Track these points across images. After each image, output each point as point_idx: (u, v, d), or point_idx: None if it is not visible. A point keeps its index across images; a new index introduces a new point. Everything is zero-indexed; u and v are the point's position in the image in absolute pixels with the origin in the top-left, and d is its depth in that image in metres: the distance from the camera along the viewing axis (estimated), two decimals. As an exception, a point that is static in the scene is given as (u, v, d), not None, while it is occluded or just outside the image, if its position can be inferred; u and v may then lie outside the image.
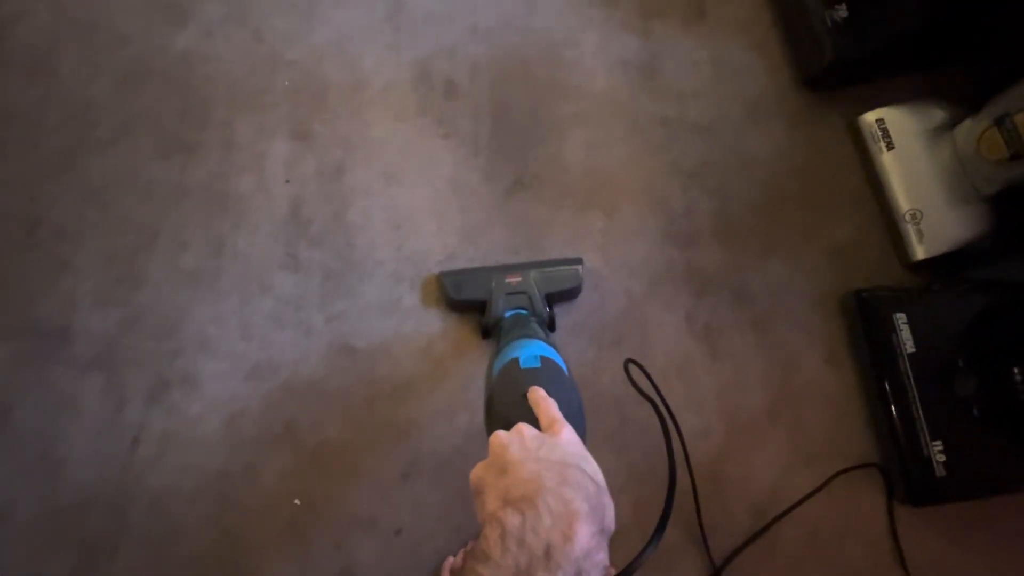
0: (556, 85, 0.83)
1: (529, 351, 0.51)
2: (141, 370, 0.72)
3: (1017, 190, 0.69)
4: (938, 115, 0.75)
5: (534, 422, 0.41)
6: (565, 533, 0.30)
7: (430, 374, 0.73)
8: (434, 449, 0.71)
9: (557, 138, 0.81)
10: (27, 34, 0.83)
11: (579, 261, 0.74)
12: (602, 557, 0.31)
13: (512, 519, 0.31)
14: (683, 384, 0.73)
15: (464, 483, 0.37)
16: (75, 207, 0.77)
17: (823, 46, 0.76)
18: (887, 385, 0.69)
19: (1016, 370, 0.64)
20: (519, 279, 0.71)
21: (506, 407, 0.45)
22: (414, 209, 0.78)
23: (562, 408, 0.42)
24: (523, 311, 0.70)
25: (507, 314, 0.69)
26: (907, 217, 0.75)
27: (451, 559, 0.67)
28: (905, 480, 0.68)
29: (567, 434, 0.38)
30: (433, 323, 0.75)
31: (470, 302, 0.72)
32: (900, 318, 0.70)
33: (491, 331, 0.70)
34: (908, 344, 0.69)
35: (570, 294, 0.74)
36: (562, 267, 0.73)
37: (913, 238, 0.74)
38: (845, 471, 0.71)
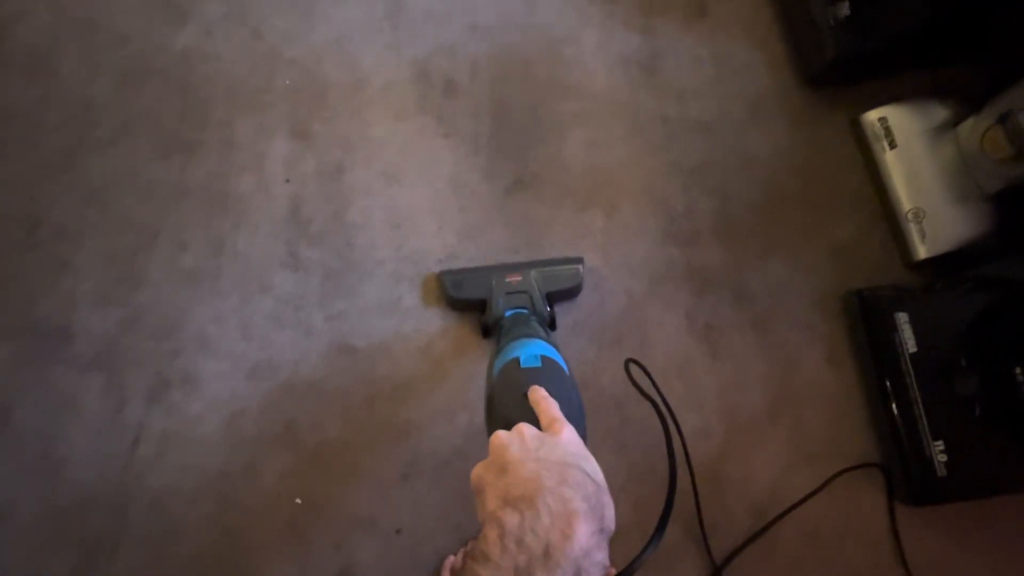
0: (556, 83, 0.83)
1: (530, 350, 0.51)
2: (141, 370, 0.72)
3: (1020, 188, 0.69)
4: (941, 113, 0.75)
5: (535, 422, 0.40)
6: (564, 532, 0.30)
7: (430, 374, 0.73)
8: (434, 449, 0.71)
9: (557, 137, 0.81)
10: (27, 34, 0.83)
11: (579, 260, 0.73)
12: (602, 556, 0.31)
13: (511, 519, 0.31)
14: (683, 384, 0.73)
15: (464, 483, 0.37)
16: (75, 207, 0.77)
17: (825, 44, 0.76)
18: (888, 385, 0.69)
19: (1018, 370, 0.64)
20: (519, 278, 0.71)
21: (507, 407, 0.45)
22: (414, 208, 0.78)
23: (563, 407, 0.42)
24: (523, 310, 0.70)
25: (507, 313, 0.69)
26: (909, 216, 0.74)
27: (451, 558, 0.67)
28: (906, 480, 0.67)
29: (567, 434, 0.38)
30: (433, 322, 0.75)
31: (470, 301, 0.72)
32: (902, 317, 0.69)
33: (491, 330, 0.70)
34: (910, 343, 0.69)
35: (570, 293, 0.73)
36: (562, 266, 0.73)
37: (915, 237, 0.74)
38: (846, 471, 0.71)
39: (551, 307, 0.71)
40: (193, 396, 0.72)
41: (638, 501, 0.69)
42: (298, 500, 0.69)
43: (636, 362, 0.54)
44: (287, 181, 0.79)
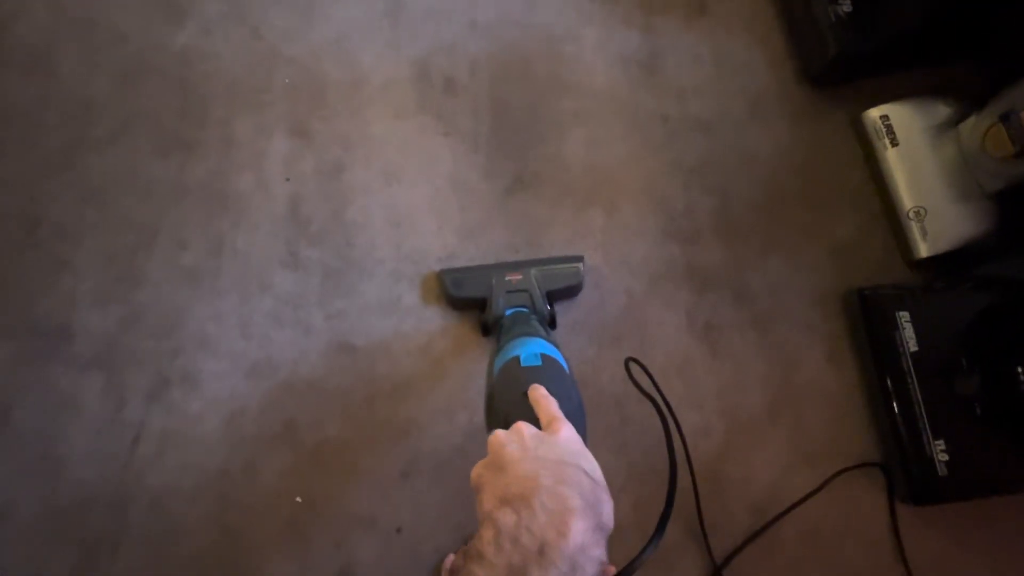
0: (556, 81, 0.82)
1: (530, 349, 0.51)
2: (141, 369, 0.72)
3: (1021, 187, 0.68)
4: (943, 111, 0.75)
5: (535, 420, 0.40)
6: (559, 529, 0.30)
7: (430, 372, 0.73)
8: (434, 447, 0.71)
9: (557, 135, 0.81)
10: (25, 33, 0.83)
11: (580, 259, 0.73)
12: (599, 552, 0.31)
13: (507, 518, 0.31)
14: (683, 383, 0.73)
15: (465, 481, 0.37)
16: (74, 206, 0.77)
17: (826, 41, 0.75)
18: (889, 384, 0.69)
19: (1020, 369, 0.64)
20: (519, 277, 0.71)
21: (507, 405, 0.45)
22: (414, 207, 0.78)
23: (563, 406, 0.42)
24: (524, 309, 0.69)
25: (508, 312, 0.69)
26: (911, 214, 0.74)
27: (451, 556, 0.67)
28: (907, 479, 0.67)
29: (566, 432, 0.38)
30: (433, 321, 0.75)
31: (470, 300, 0.72)
32: (903, 316, 0.69)
33: (491, 329, 0.70)
34: (911, 343, 0.68)
35: (571, 292, 0.73)
36: (563, 265, 0.72)
37: (916, 235, 0.74)
38: (846, 470, 0.71)
39: (551, 306, 0.71)
40: (193, 395, 0.72)
41: (638, 500, 0.69)
42: (298, 499, 0.69)
43: (636, 361, 0.54)
44: (287, 180, 0.78)
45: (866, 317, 0.71)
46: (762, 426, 0.72)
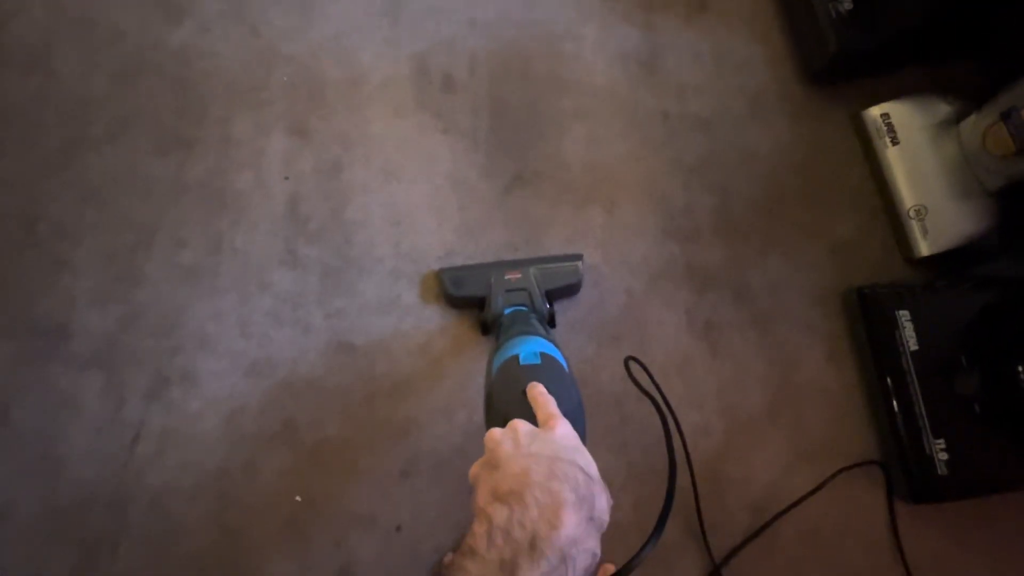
0: (556, 79, 0.82)
1: (529, 348, 0.51)
2: (140, 368, 0.72)
3: (1022, 185, 0.68)
4: (944, 109, 0.75)
5: (534, 419, 0.41)
6: (551, 522, 0.30)
7: (429, 371, 0.73)
8: (433, 447, 0.71)
9: (556, 133, 0.80)
10: (22, 31, 0.82)
11: (579, 257, 0.73)
12: (591, 544, 0.31)
13: (499, 513, 0.31)
14: (683, 382, 0.73)
15: (464, 480, 0.38)
16: (73, 205, 0.77)
17: (827, 39, 0.75)
18: (889, 382, 0.69)
19: (1020, 368, 0.64)
20: (519, 275, 0.70)
21: (506, 404, 0.45)
22: (413, 206, 0.78)
23: (562, 405, 0.42)
24: (523, 307, 0.69)
25: (507, 311, 0.69)
26: (911, 213, 0.74)
27: (450, 555, 0.67)
28: (906, 478, 0.67)
29: (562, 429, 0.38)
30: (432, 320, 0.75)
31: (469, 299, 0.72)
32: (903, 315, 0.69)
33: (491, 328, 0.70)
34: (911, 341, 0.68)
35: (570, 290, 0.73)
36: (562, 263, 0.72)
37: (917, 234, 0.74)
38: (846, 469, 0.70)
39: (550, 304, 0.71)
40: (192, 394, 0.72)
41: (638, 500, 0.69)
42: (298, 498, 0.69)
43: (636, 360, 0.54)
44: (285, 178, 0.78)
45: (866, 316, 0.71)
46: (762, 425, 0.72)
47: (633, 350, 0.72)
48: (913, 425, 0.67)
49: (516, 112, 0.81)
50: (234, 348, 0.73)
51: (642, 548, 0.33)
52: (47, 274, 0.74)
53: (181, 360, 0.72)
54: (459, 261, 0.76)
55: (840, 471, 0.70)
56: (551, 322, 0.71)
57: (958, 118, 0.73)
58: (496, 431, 0.38)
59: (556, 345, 0.54)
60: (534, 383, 0.44)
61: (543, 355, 0.49)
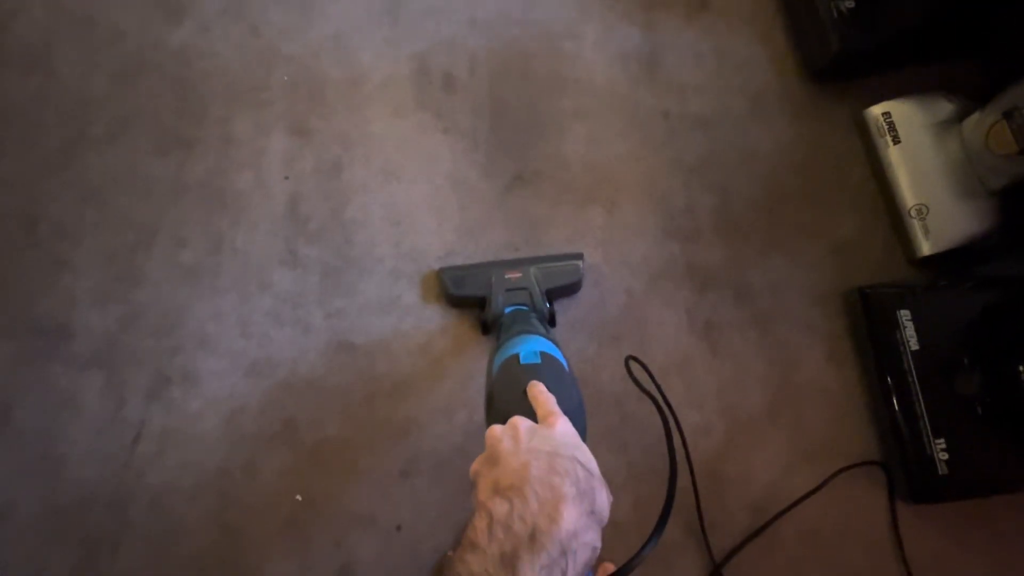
0: (556, 79, 0.82)
1: (529, 347, 0.51)
2: (141, 368, 0.72)
3: (1024, 185, 0.68)
4: (946, 108, 0.74)
5: (534, 418, 0.41)
6: (551, 515, 0.30)
7: (430, 371, 0.73)
8: (434, 446, 0.71)
9: (557, 133, 0.80)
10: (22, 31, 0.82)
11: (579, 257, 0.73)
12: (591, 537, 0.32)
13: (500, 507, 0.31)
14: (683, 382, 0.73)
15: (464, 480, 0.38)
16: (74, 205, 0.77)
17: (829, 37, 0.75)
18: (890, 382, 0.68)
19: (1021, 368, 0.64)
20: (519, 275, 0.70)
21: (506, 403, 0.45)
22: (413, 205, 0.78)
23: (562, 404, 0.42)
24: (523, 307, 0.69)
25: (507, 310, 0.69)
26: (913, 212, 0.74)
27: (450, 554, 0.67)
28: (907, 478, 0.67)
29: (562, 425, 0.38)
30: (433, 320, 0.75)
31: (470, 298, 0.72)
32: (904, 315, 0.69)
33: (491, 327, 0.70)
34: (912, 341, 0.68)
35: (570, 290, 0.73)
36: (562, 263, 0.72)
37: (919, 233, 0.73)
38: (846, 469, 0.70)
39: (551, 304, 0.71)
40: (192, 393, 0.72)
41: (638, 499, 0.69)
42: (298, 497, 0.69)
43: (636, 359, 0.54)
44: (286, 178, 0.78)
45: (867, 316, 0.71)
46: (762, 425, 0.72)
47: (633, 350, 0.71)
48: (914, 425, 0.66)
49: (516, 112, 0.81)
50: (234, 348, 0.73)
51: (643, 547, 0.33)
52: (47, 274, 0.74)
53: (181, 360, 0.73)
54: (459, 261, 0.76)
55: (840, 471, 0.70)
56: (551, 321, 0.71)
57: (960, 117, 0.73)
58: (497, 428, 0.39)
59: (556, 344, 0.54)
60: (535, 382, 0.44)
61: (543, 354, 0.50)
